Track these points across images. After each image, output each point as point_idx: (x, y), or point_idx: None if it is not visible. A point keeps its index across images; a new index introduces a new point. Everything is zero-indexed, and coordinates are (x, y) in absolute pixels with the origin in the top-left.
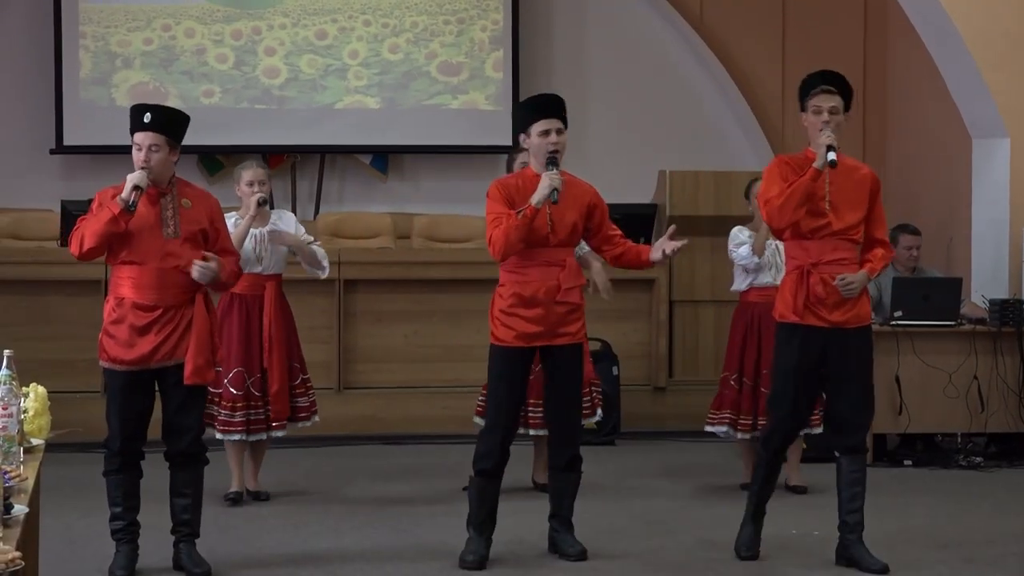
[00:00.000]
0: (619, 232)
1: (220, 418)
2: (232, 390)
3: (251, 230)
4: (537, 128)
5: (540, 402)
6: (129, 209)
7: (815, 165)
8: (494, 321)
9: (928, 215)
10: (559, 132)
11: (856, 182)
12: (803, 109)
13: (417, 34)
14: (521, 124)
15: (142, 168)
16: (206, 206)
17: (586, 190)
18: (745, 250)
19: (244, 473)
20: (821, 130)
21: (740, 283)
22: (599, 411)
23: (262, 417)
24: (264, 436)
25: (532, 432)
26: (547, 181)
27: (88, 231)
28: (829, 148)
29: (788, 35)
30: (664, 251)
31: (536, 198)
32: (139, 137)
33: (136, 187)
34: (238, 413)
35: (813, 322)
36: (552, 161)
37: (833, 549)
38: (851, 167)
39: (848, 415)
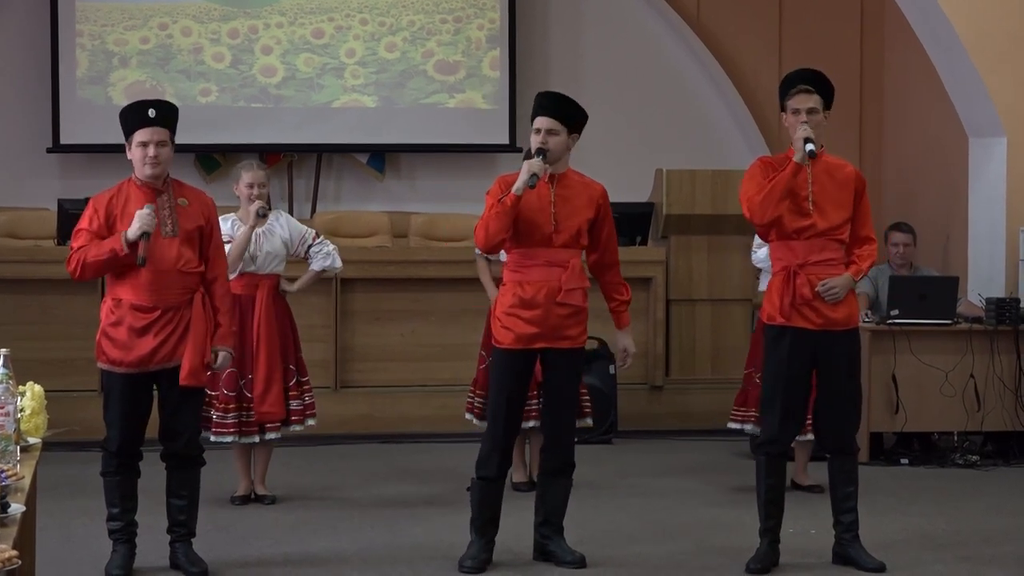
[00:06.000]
0: (615, 252)
1: (213, 420)
2: (225, 391)
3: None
4: (534, 125)
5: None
6: (140, 263)
7: (795, 159)
8: (495, 322)
9: (925, 214)
10: (549, 132)
11: (840, 181)
12: (783, 109)
13: (414, 33)
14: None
15: (150, 169)
16: (203, 205)
17: (595, 191)
18: (764, 252)
19: (252, 474)
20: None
21: (762, 283)
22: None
23: (254, 419)
24: (257, 439)
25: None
26: (526, 167)
27: (91, 263)
28: (807, 141)
29: (784, 34)
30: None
31: (516, 185)
32: (145, 133)
33: (145, 233)
34: (230, 415)
35: (801, 324)
36: (539, 152)
37: (830, 548)
38: (835, 166)
39: (837, 416)
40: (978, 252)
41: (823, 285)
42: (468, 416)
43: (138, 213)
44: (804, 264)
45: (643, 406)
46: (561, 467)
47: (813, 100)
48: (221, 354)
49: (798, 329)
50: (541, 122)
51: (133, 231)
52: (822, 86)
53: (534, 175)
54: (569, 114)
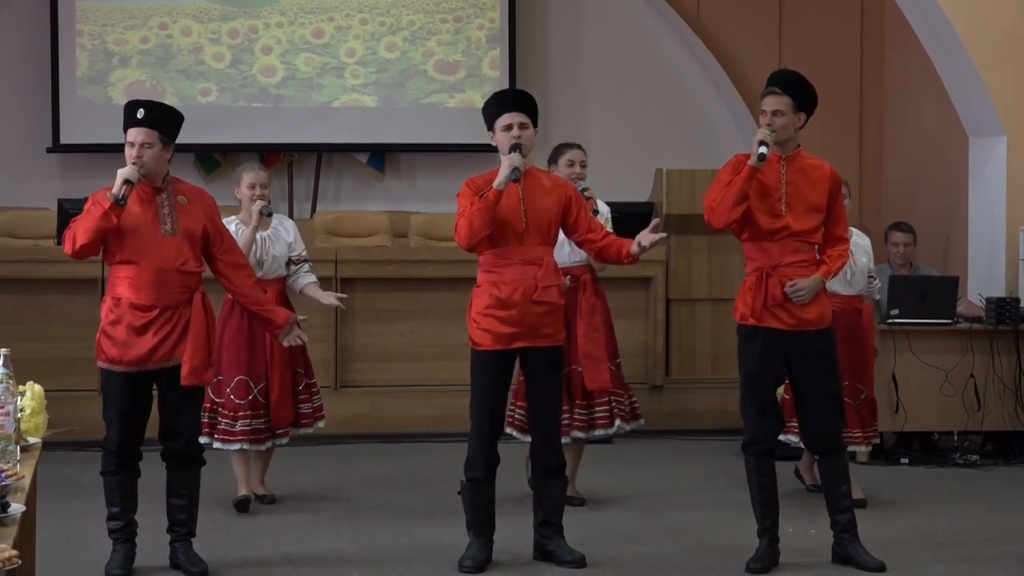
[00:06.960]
0: (601, 225)
1: (220, 427)
2: (234, 399)
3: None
4: (500, 123)
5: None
6: (119, 203)
7: (748, 162)
8: (471, 324)
9: (925, 214)
10: (521, 126)
11: (814, 181)
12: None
13: (414, 32)
14: (488, 122)
15: (133, 164)
16: (203, 204)
17: (564, 185)
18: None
19: (251, 477)
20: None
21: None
22: (617, 422)
23: (267, 425)
24: (270, 444)
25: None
26: (507, 162)
27: (80, 228)
28: (761, 143)
29: (784, 33)
30: (641, 243)
31: (498, 180)
32: (132, 133)
33: (127, 181)
34: (240, 422)
35: (772, 324)
36: (516, 147)
37: (830, 548)
38: (811, 166)
39: (822, 417)
40: (978, 252)
41: (790, 286)
42: (508, 430)
43: (119, 171)
44: (777, 265)
45: (643, 406)
46: (555, 467)
47: (781, 102)
48: (299, 321)
49: (770, 329)
50: (513, 117)
51: (116, 185)
52: (794, 88)
53: (516, 169)
54: (534, 108)
